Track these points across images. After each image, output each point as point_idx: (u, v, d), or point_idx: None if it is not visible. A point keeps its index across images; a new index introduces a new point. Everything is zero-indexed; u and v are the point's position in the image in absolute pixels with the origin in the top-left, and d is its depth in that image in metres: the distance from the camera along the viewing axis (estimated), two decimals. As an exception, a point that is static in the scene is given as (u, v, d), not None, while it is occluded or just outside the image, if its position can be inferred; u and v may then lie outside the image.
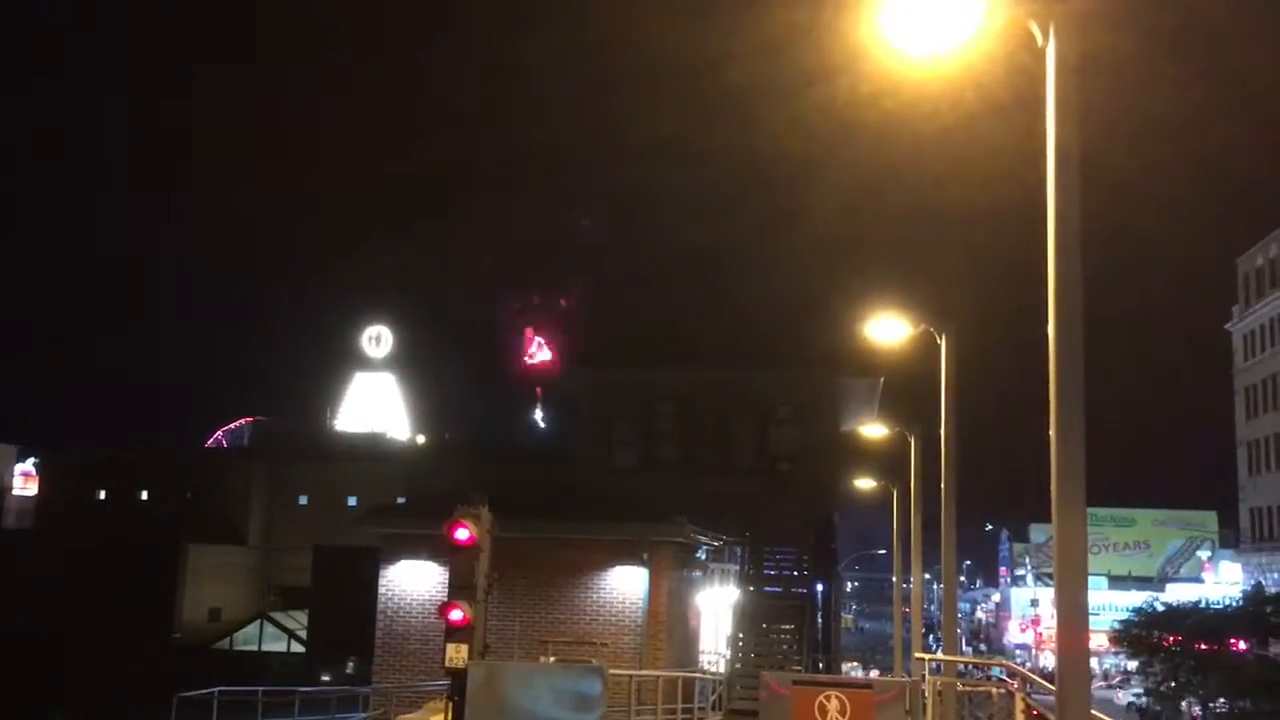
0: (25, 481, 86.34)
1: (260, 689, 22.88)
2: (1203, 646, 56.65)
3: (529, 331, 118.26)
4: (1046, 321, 7.00)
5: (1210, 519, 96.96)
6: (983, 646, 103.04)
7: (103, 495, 77.64)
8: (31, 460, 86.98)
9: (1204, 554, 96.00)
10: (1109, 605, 74.35)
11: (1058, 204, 6.93)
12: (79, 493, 76.66)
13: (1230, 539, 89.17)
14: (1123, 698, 65.68)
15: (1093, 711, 7.04)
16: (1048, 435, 6.98)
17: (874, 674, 45.71)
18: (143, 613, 61.25)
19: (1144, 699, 60.83)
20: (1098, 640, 65.51)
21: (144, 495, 77.24)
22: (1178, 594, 74.94)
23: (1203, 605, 63.80)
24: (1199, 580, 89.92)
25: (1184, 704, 58.61)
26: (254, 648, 61.34)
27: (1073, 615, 6.86)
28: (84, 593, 60.06)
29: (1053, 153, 6.96)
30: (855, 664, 71.67)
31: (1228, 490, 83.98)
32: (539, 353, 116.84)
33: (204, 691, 21.44)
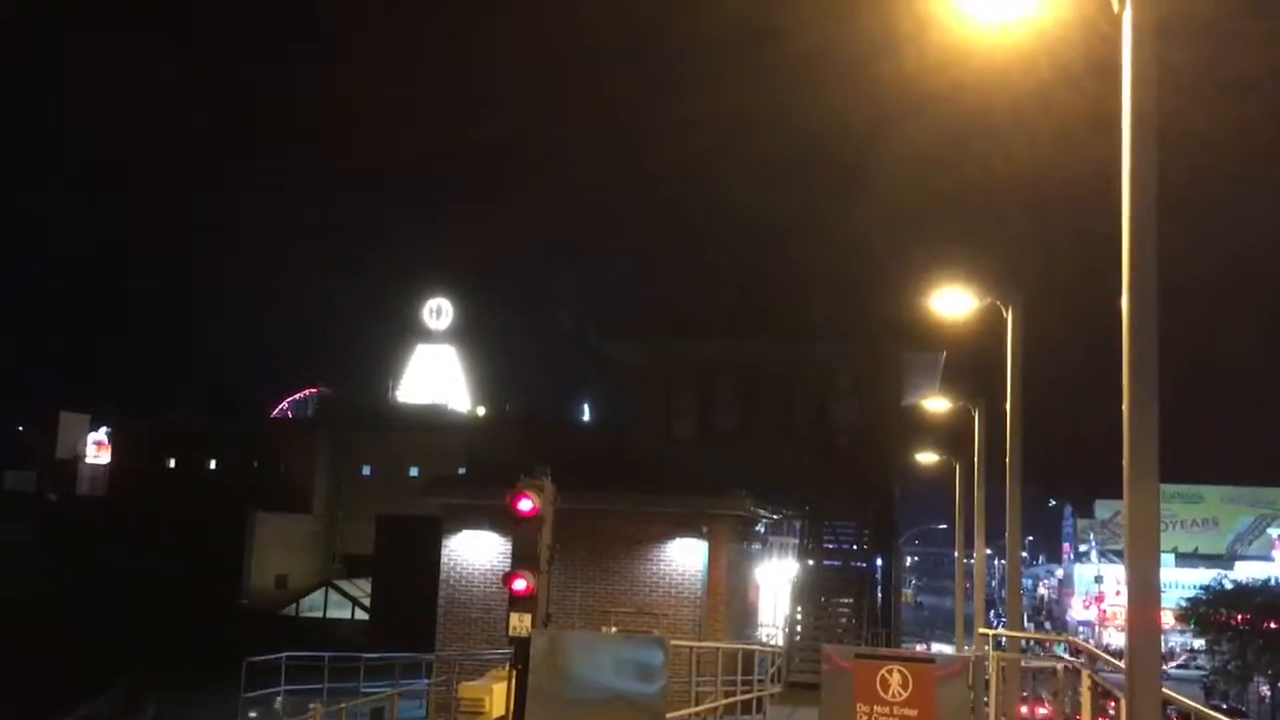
0: (98, 450, 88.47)
1: (326, 654, 23.28)
2: (1272, 625, 55.68)
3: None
4: (1120, 292, 6.85)
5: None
6: (1046, 624, 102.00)
7: (172, 464, 79.43)
8: (104, 430, 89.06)
9: (1274, 531, 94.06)
10: (1175, 583, 73.20)
11: (1134, 172, 6.76)
12: (150, 462, 78.50)
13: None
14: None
15: (1165, 689, 6.93)
16: (1118, 409, 6.84)
17: (938, 649, 45.49)
18: (211, 579, 62.65)
19: (1209, 677, 59.99)
20: (1164, 618, 64.47)
21: (212, 464, 78.89)
22: (1246, 572, 73.58)
23: (1273, 583, 62.66)
24: (1269, 558, 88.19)
25: (1252, 683, 57.65)
26: (319, 614, 62.52)
27: (1143, 592, 6.75)
28: (155, 559, 61.57)
29: (1128, 119, 6.78)
30: (918, 642, 71.31)
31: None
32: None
33: (272, 656, 21.86)
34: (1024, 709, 14.89)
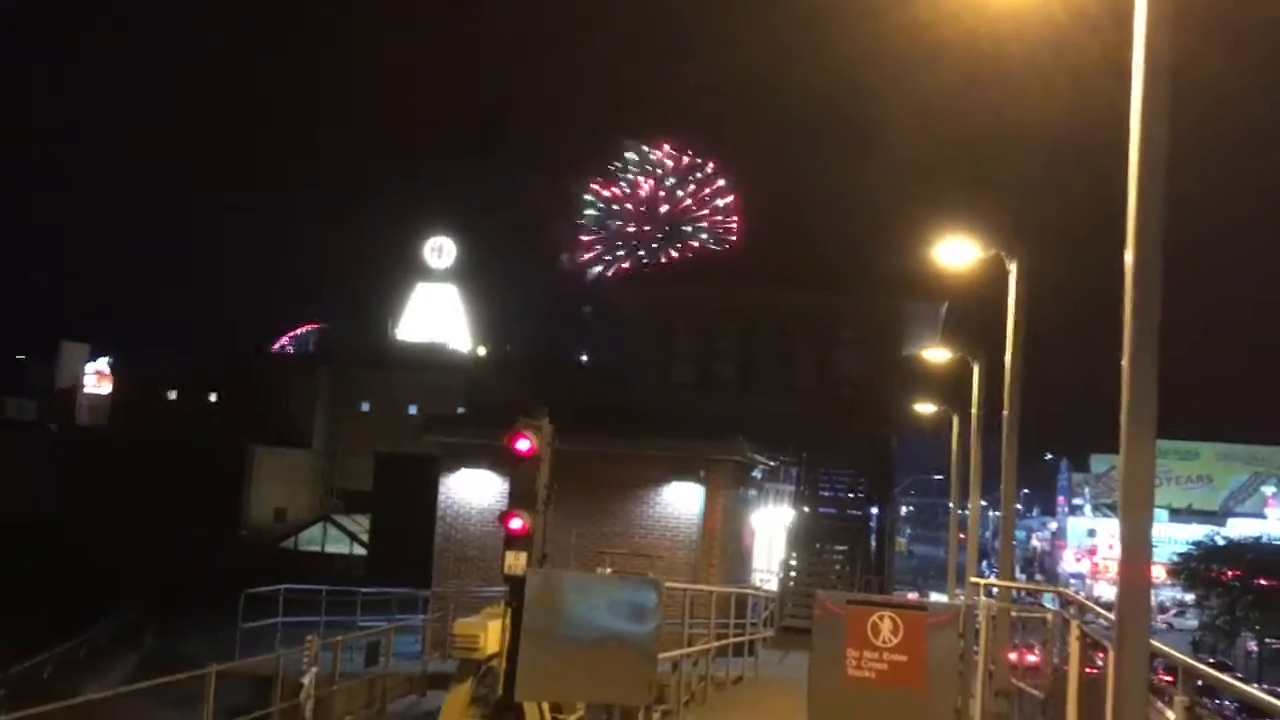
0: (99, 380, 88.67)
1: (324, 588, 23.48)
2: (1262, 582, 56.17)
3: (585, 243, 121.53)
4: (1125, 245, 6.78)
5: (1277, 454, 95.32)
6: (1039, 576, 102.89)
7: (173, 396, 79.65)
8: (105, 360, 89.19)
9: (1269, 490, 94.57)
10: (1169, 538, 73.71)
11: (1144, 120, 6.65)
12: (150, 393, 78.73)
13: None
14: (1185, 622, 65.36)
15: (1153, 642, 6.98)
16: (1118, 364, 6.81)
17: (934, 597, 45.95)
18: (211, 511, 63.07)
19: (1198, 633, 60.66)
20: (1155, 572, 65.10)
21: (213, 398, 79.10)
22: (1239, 529, 74.09)
23: (1264, 541, 63.12)
24: (1262, 516, 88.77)
25: (1239, 638, 58.25)
26: (317, 548, 63.01)
27: (1135, 546, 6.76)
28: (154, 490, 61.94)
29: (1140, 63, 6.64)
30: (910, 590, 71.93)
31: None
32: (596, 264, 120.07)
33: (270, 589, 22.05)
34: (1013, 655, 15.04)
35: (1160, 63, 6.65)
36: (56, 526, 57.06)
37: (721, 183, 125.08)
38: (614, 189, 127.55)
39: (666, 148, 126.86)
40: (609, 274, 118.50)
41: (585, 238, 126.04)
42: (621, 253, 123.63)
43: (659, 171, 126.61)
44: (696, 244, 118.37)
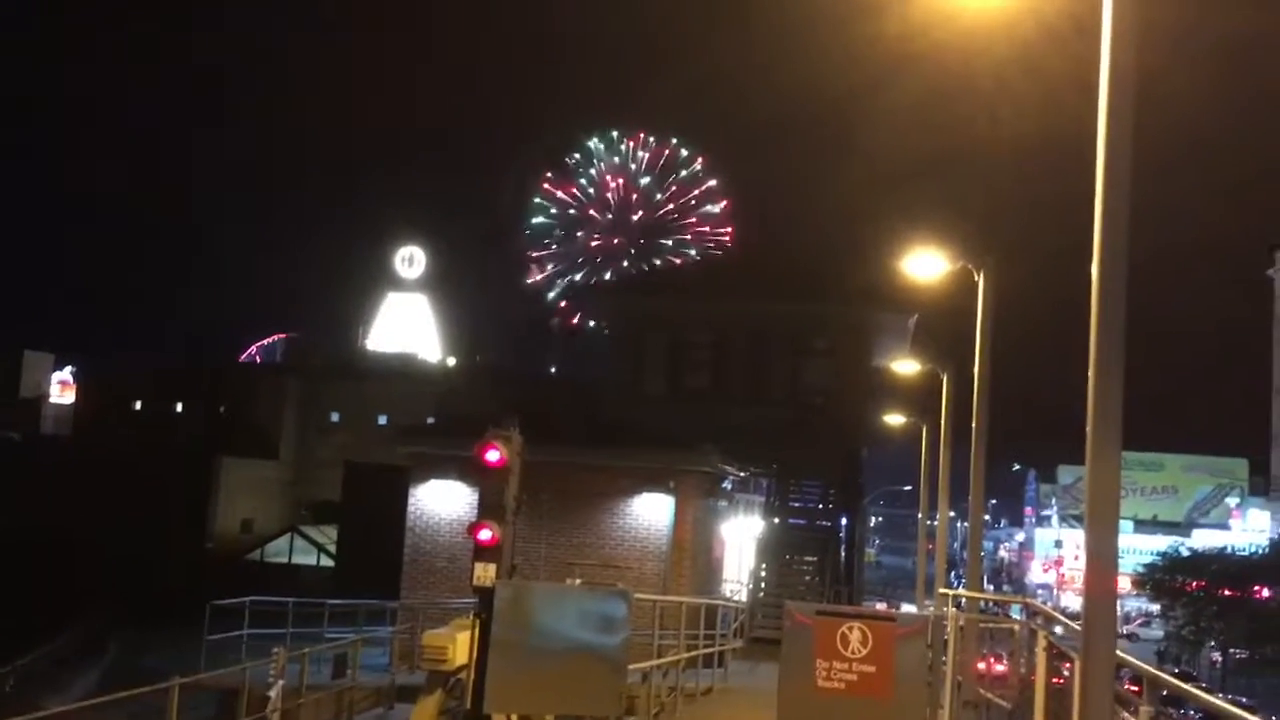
0: (63, 390, 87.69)
1: (290, 600, 23.28)
2: (1226, 593, 56.68)
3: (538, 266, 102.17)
4: (1091, 259, 6.85)
5: (1240, 466, 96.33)
6: (1006, 586, 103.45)
7: (139, 406, 78.84)
8: (69, 369, 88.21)
9: (1233, 501, 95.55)
10: (1134, 549, 74.34)
11: (1109, 133, 6.72)
12: (116, 403, 77.90)
13: (1260, 486, 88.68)
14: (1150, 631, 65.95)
15: (1118, 652, 7.03)
16: (1085, 376, 6.87)
17: (904, 608, 46.12)
18: (176, 522, 62.43)
19: (1163, 643, 61.16)
20: (1121, 583, 65.64)
21: (179, 408, 78.36)
22: (1204, 540, 74.80)
23: (1228, 552, 63.75)
24: (1226, 527, 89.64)
25: (1204, 648, 58.75)
26: (284, 560, 62.51)
27: (1102, 557, 6.82)
28: (119, 501, 61.20)
29: (1107, 79, 6.72)
30: (879, 600, 72.18)
31: (1260, 438, 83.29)
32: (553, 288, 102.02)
33: (236, 601, 21.85)
34: (981, 665, 15.10)
35: (1125, 78, 6.74)
36: (20, 538, 56.30)
37: (713, 184, 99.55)
38: (572, 189, 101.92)
39: (642, 137, 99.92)
40: (562, 304, 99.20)
41: (535, 254, 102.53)
42: (578, 276, 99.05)
43: (632, 167, 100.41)
44: (679, 260, 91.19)
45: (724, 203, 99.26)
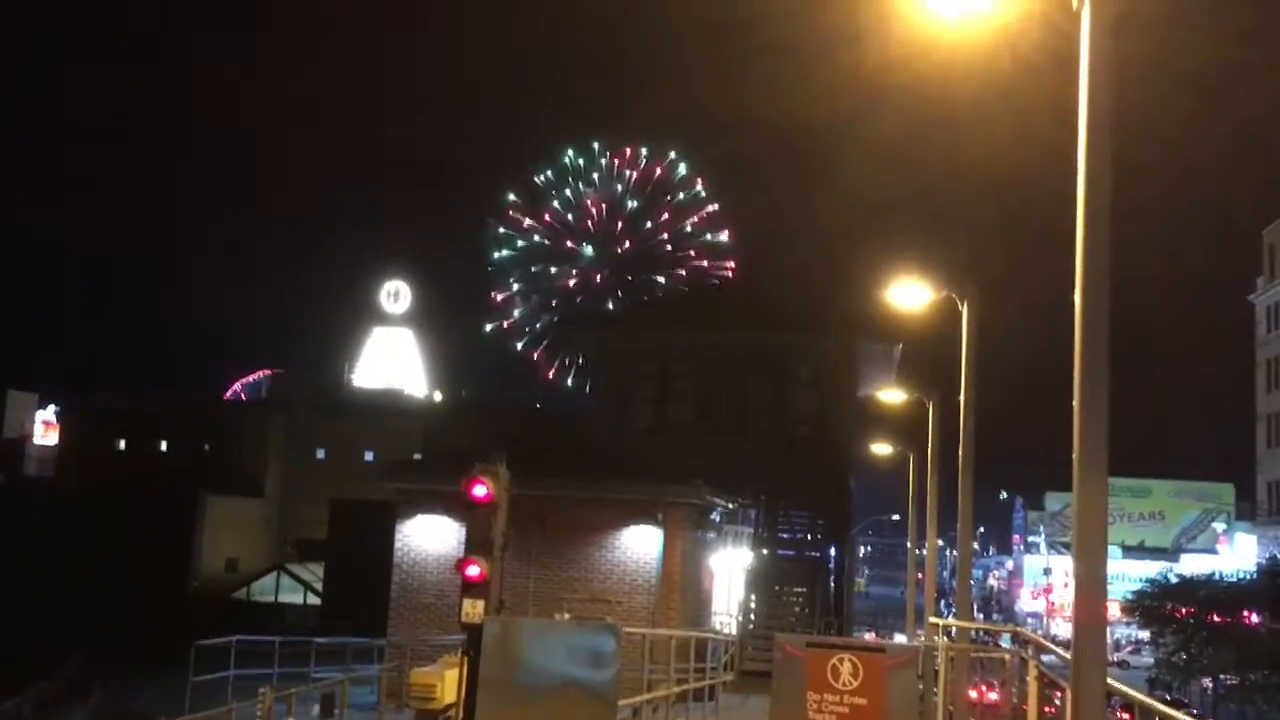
0: (46, 430, 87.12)
1: (277, 639, 23.07)
2: (1215, 619, 56.64)
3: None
4: (1074, 288, 6.90)
5: (1227, 491, 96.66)
6: (996, 614, 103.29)
7: (123, 445, 78.37)
8: (52, 409, 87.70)
9: (1219, 526, 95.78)
10: (1122, 575, 74.38)
11: (1089, 167, 6.81)
12: (99, 442, 77.43)
13: (1247, 511, 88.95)
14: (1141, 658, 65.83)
15: (1109, 680, 7.02)
16: (1070, 403, 6.91)
17: (898, 639, 45.96)
18: (161, 561, 61.93)
19: (1154, 670, 61.02)
20: (1110, 610, 65.67)
21: (163, 446, 77.94)
22: (1192, 565, 74.88)
23: (1216, 577, 63.79)
24: (1213, 552, 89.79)
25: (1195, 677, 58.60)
26: (271, 598, 62.03)
27: (1090, 584, 6.83)
28: (103, 541, 60.74)
29: (1085, 114, 6.82)
30: (868, 630, 71.95)
31: (1245, 463, 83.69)
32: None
33: (222, 640, 21.63)
34: (973, 693, 15.06)
35: (1103, 109, 6.82)
36: (3, 580, 55.76)
37: (714, 208, 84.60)
38: (544, 215, 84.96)
39: (630, 153, 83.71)
40: (535, 355, 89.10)
41: (499, 295, 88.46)
42: (555, 319, 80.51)
43: (617, 188, 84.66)
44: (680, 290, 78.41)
45: (726, 231, 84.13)
